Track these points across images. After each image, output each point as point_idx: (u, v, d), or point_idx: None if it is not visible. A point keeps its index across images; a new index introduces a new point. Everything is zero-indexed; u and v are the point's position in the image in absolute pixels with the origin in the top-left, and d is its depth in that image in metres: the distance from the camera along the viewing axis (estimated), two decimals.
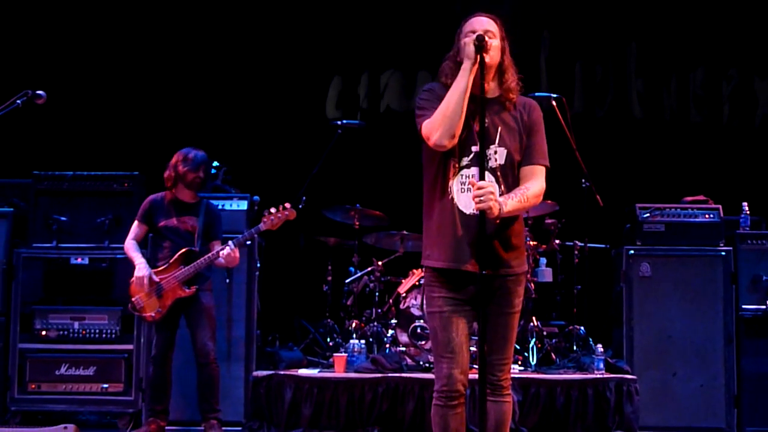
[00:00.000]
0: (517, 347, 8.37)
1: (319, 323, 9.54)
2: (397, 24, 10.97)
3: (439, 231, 4.90)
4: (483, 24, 4.91)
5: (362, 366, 8.24)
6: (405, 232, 9.11)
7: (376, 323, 8.97)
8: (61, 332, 8.40)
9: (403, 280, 8.85)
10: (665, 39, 11.05)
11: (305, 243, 9.60)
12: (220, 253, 7.61)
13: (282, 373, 8.17)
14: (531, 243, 8.70)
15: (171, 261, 7.71)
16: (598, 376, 8.08)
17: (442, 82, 4.98)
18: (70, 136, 10.60)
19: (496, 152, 4.88)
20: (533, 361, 8.52)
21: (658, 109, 11.16)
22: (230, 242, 7.63)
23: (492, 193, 4.60)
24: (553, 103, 8.56)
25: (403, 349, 8.48)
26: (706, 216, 8.75)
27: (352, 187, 10.27)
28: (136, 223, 7.92)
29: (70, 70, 10.69)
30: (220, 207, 8.33)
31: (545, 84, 10.96)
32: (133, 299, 7.71)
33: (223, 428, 7.78)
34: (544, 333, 8.89)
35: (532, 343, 8.62)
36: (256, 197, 8.87)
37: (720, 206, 8.81)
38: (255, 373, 8.21)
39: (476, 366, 4.81)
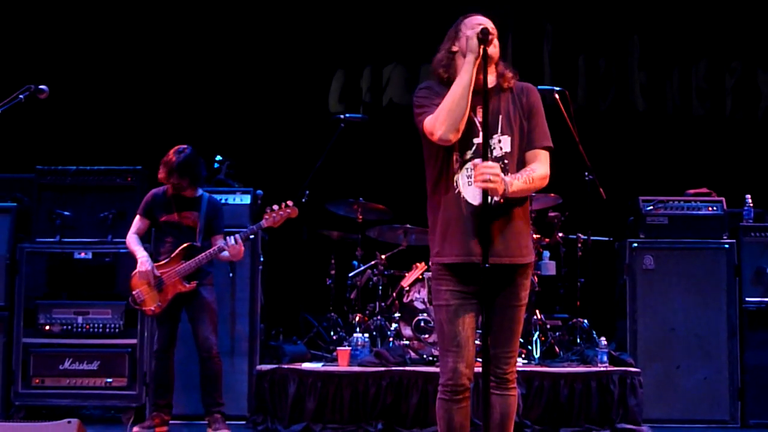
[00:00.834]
0: (521, 340, 8.36)
1: (323, 317, 9.53)
2: (400, 18, 10.96)
3: (448, 226, 4.89)
4: (482, 21, 4.94)
5: (366, 360, 8.24)
6: (408, 225, 9.10)
7: (379, 317, 8.96)
8: (65, 327, 8.41)
9: (406, 274, 8.85)
10: (668, 32, 11.04)
11: (308, 237, 9.59)
12: (228, 243, 7.63)
13: (286, 367, 8.17)
14: (534, 236, 8.69)
15: (173, 255, 7.74)
16: (602, 369, 8.07)
17: (438, 75, 5.00)
18: (73, 130, 10.60)
19: (500, 141, 4.88)
20: (537, 354, 8.52)
21: (661, 102, 11.15)
22: (236, 236, 7.65)
23: (497, 174, 4.60)
24: (556, 96, 8.54)
25: (407, 342, 8.49)
26: (709, 208, 8.76)
27: (355, 180, 10.27)
28: (137, 217, 7.94)
29: (72, 65, 10.69)
30: (223, 201, 8.34)
31: (548, 77, 10.95)
32: (133, 292, 7.75)
33: (227, 422, 7.79)
34: (548, 326, 8.89)
35: (536, 336, 8.62)
36: (260, 191, 8.88)
37: (723, 199, 8.82)
38: (259, 367, 8.22)
39: (481, 359, 4.79)
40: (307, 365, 8.27)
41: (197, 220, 7.83)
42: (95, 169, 8.68)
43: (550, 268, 8.98)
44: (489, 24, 4.92)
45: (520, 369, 7.72)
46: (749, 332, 8.54)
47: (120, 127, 10.69)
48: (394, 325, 8.73)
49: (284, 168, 10.41)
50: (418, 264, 8.77)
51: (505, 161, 4.85)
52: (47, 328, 8.39)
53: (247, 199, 8.65)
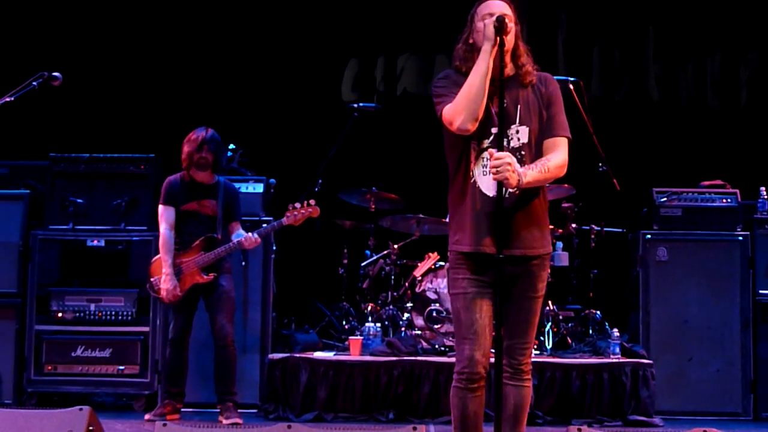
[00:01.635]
0: None
1: (335, 306, 9.53)
2: (414, 6, 10.94)
3: (464, 215, 4.87)
4: (499, 7, 4.88)
5: (378, 349, 8.24)
6: (421, 215, 9.09)
7: (391, 306, 8.96)
8: (78, 314, 8.42)
9: (418, 264, 8.84)
10: (683, 23, 11.00)
11: (321, 226, 9.58)
12: (246, 238, 7.68)
13: (297, 355, 8.17)
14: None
15: (193, 246, 7.76)
16: (614, 360, 8.06)
17: (456, 67, 4.96)
18: (86, 118, 10.61)
19: (518, 131, 4.85)
20: (549, 345, 8.51)
21: (675, 94, 11.12)
22: (256, 233, 7.71)
23: (509, 163, 4.57)
24: (571, 86, 8.51)
25: (419, 332, 8.48)
26: (724, 200, 8.72)
27: (368, 170, 10.25)
28: (162, 208, 7.87)
29: (86, 52, 10.69)
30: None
31: (563, 68, 10.93)
32: (152, 279, 7.80)
33: (239, 410, 7.79)
34: (560, 317, 8.87)
35: (548, 327, 8.60)
36: (272, 180, 8.88)
37: (737, 191, 8.79)
38: (270, 356, 8.22)
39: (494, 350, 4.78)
40: (318, 354, 8.27)
41: (216, 209, 7.84)
42: (108, 156, 8.68)
43: (563, 259, 8.97)
44: (504, 9, 4.88)
45: (532, 360, 7.70)
46: (762, 325, 8.51)
47: (133, 115, 10.69)
48: (406, 315, 8.72)
49: (297, 157, 10.41)
50: (430, 254, 8.76)
51: (522, 152, 4.82)
52: (60, 315, 8.41)
53: (260, 188, 8.65)
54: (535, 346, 8.40)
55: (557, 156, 4.84)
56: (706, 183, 8.95)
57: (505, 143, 4.75)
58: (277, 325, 8.91)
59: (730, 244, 8.58)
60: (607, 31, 11.08)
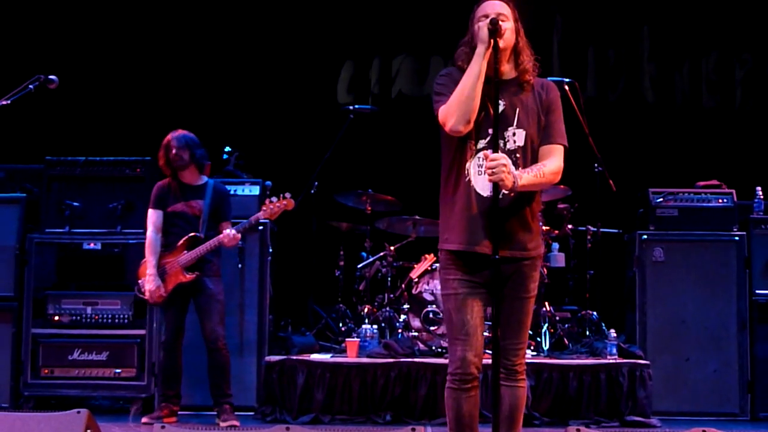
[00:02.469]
0: (530, 332, 8.34)
1: (332, 308, 9.54)
2: (409, 8, 10.94)
3: (456, 213, 4.86)
4: (495, 7, 4.88)
5: (374, 351, 8.24)
6: (417, 216, 9.10)
7: (388, 308, 8.96)
8: (74, 317, 8.41)
9: (415, 265, 8.84)
10: (678, 23, 11.01)
11: (317, 228, 9.59)
12: (223, 235, 7.68)
13: (294, 358, 8.17)
14: (544, 228, 8.67)
15: (177, 245, 7.79)
16: (611, 361, 8.07)
17: (459, 66, 4.95)
18: (82, 121, 10.61)
19: (514, 134, 4.85)
20: (546, 346, 8.52)
21: (670, 94, 11.14)
22: (233, 228, 7.69)
23: (505, 165, 4.57)
24: (566, 87, 8.51)
25: (416, 334, 8.49)
26: (720, 201, 8.73)
27: (364, 172, 10.27)
28: (151, 211, 7.92)
29: (82, 56, 10.70)
30: (232, 192, 8.33)
31: (558, 68, 10.94)
32: (139, 281, 7.86)
33: (236, 413, 7.79)
34: (557, 318, 8.88)
35: (545, 328, 8.61)
36: (269, 182, 8.87)
37: (733, 191, 8.80)
38: (267, 358, 8.22)
39: (490, 351, 4.78)
40: (315, 356, 8.27)
41: (202, 209, 7.85)
42: (104, 160, 8.68)
43: (559, 260, 8.98)
44: (501, 9, 4.86)
45: (529, 361, 7.65)
46: (759, 325, 8.51)
47: (129, 118, 10.69)
48: (402, 317, 8.73)
49: (293, 159, 10.41)
50: (427, 255, 8.76)
51: (517, 155, 4.82)
52: (56, 318, 8.40)
53: (256, 190, 8.65)
54: (532, 347, 8.43)
55: (553, 162, 4.85)
56: (702, 183, 8.96)
57: (501, 145, 4.76)
58: (274, 327, 8.91)
59: (726, 244, 8.59)
60: (602, 31, 11.10)
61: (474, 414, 4.90)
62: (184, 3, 10.93)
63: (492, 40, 4.70)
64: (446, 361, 4.96)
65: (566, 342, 8.77)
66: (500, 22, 4.73)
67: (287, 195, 7.74)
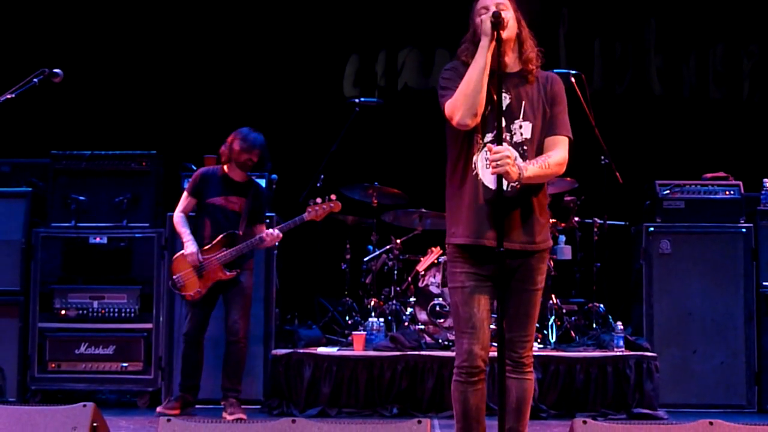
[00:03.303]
0: (537, 325, 8.34)
1: (338, 301, 9.53)
2: (414, 1, 10.93)
3: (463, 207, 4.86)
4: (492, 3, 4.86)
5: (381, 344, 8.24)
6: (423, 209, 9.09)
7: (394, 301, 8.96)
8: (81, 311, 8.42)
9: (421, 258, 8.83)
10: (685, 15, 10.98)
11: (323, 221, 9.58)
12: (267, 234, 7.73)
13: (301, 351, 8.18)
14: (550, 220, 8.65)
15: (214, 242, 7.77)
16: (618, 353, 8.06)
17: (463, 61, 4.93)
18: (87, 114, 10.60)
19: (521, 126, 4.84)
20: (552, 339, 8.51)
21: (677, 86, 11.11)
22: (277, 228, 7.78)
23: (509, 157, 4.56)
24: (572, 79, 8.51)
25: (422, 327, 8.48)
26: (727, 192, 8.71)
27: (370, 165, 10.25)
28: (185, 195, 7.96)
29: (87, 48, 10.69)
30: None
31: (564, 61, 10.92)
32: (174, 276, 7.81)
33: (243, 406, 7.79)
34: (564, 311, 8.87)
35: (552, 320, 8.60)
36: (274, 176, 8.87)
37: (740, 183, 8.78)
38: (274, 352, 8.22)
39: (496, 344, 4.78)
40: (322, 349, 8.27)
41: (243, 207, 7.86)
42: (110, 153, 8.68)
43: (566, 252, 8.97)
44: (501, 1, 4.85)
45: (536, 353, 7.65)
46: (766, 317, 8.50)
47: (135, 111, 10.69)
48: (409, 310, 8.72)
49: (299, 152, 10.40)
50: (433, 248, 8.75)
51: (524, 147, 4.81)
52: (63, 312, 8.41)
53: (262, 183, 8.63)
54: (539, 340, 8.42)
55: (558, 154, 4.84)
56: (709, 175, 8.94)
57: (508, 138, 4.76)
58: (281, 320, 8.90)
59: (733, 236, 8.57)
60: (608, 23, 11.07)
61: (481, 407, 4.90)
62: None
63: (495, 32, 4.68)
64: (453, 354, 4.96)
65: (573, 334, 8.77)
66: (503, 15, 4.71)
67: (333, 197, 7.82)
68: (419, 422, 4.96)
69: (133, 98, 10.75)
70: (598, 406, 7.92)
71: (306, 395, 7.99)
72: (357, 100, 9.42)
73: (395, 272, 9.08)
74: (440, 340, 8.38)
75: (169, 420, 4.90)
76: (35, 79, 6.16)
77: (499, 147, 4.58)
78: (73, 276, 8.48)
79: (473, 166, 4.82)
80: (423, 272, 8.67)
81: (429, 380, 7.94)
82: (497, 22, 4.66)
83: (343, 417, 7.87)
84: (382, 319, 8.66)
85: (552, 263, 8.71)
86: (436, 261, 8.63)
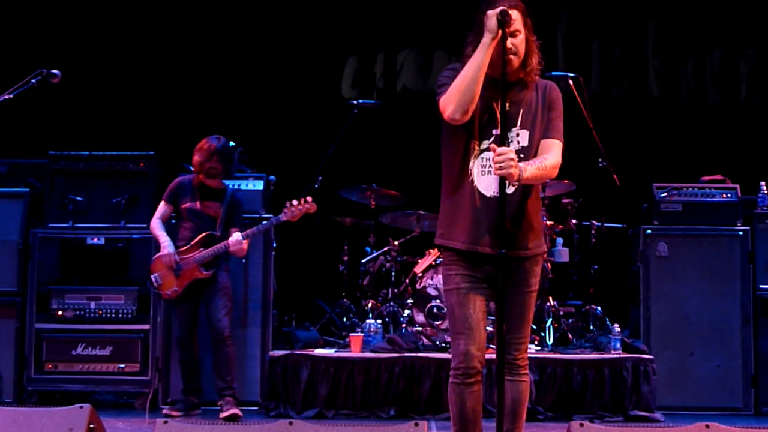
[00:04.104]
0: (534, 327, 8.37)
1: (336, 303, 9.54)
2: (413, 3, 10.93)
3: (458, 212, 4.87)
4: (506, 5, 4.82)
5: (378, 346, 8.24)
6: (421, 211, 9.10)
7: (392, 303, 8.96)
8: (78, 312, 8.42)
9: (419, 260, 8.83)
10: (683, 18, 10.99)
11: (321, 223, 9.57)
12: (230, 240, 7.76)
13: (298, 352, 8.17)
14: (548, 223, 8.67)
15: (192, 243, 7.87)
16: (615, 356, 8.06)
17: (464, 63, 4.92)
18: (85, 115, 10.60)
19: (518, 134, 4.85)
20: (550, 341, 8.51)
21: (675, 89, 11.12)
22: (240, 234, 7.82)
23: (512, 159, 4.56)
24: (570, 82, 8.50)
25: (420, 328, 8.47)
26: (724, 195, 8.72)
27: (368, 166, 10.26)
28: (162, 203, 8.07)
29: (85, 49, 10.69)
30: (235, 187, 8.35)
31: (562, 63, 10.92)
32: (152, 276, 7.88)
33: (240, 408, 7.80)
34: (561, 313, 8.87)
35: (549, 323, 8.60)
36: (272, 177, 8.87)
37: (737, 186, 8.78)
38: (271, 353, 8.22)
39: (493, 346, 4.78)
40: (319, 351, 8.27)
41: (219, 210, 7.95)
42: (108, 154, 8.67)
43: (563, 254, 8.96)
44: (512, 10, 4.76)
45: (533, 356, 7.71)
46: (763, 319, 8.50)
47: (133, 112, 10.69)
48: (406, 312, 8.73)
49: (297, 154, 10.41)
50: (431, 250, 8.74)
51: (522, 155, 4.81)
52: (60, 313, 8.40)
53: (259, 185, 8.65)
54: (536, 342, 8.42)
55: (552, 157, 4.84)
56: (707, 178, 8.94)
57: (505, 145, 4.75)
58: (278, 322, 8.91)
59: (730, 239, 8.57)
60: (606, 26, 11.08)
61: (477, 409, 4.90)
62: None
63: (500, 30, 4.65)
64: (450, 355, 4.96)
65: (570, 337, 8.76)
66: (510, 14, 4.67)
67: (308, 198, 7.86)
68: (416, 424, 4.97)
69: (131, 99, 10.75)
70: (595, 408, 7.92)
71: (303, 397, 7.99)
72: (355, 102, 9.42)
73: (393, 274, 9.09)
74: (437, 342, 8.38)
75: (165, 421, 4.92)
76: (33, 80, 6.17)
77: (503, 148, 4.57)
78: (71, 277, 8.47)
79: (469, 173, 4.83)
80: (420, 274, 8.66)
81: (426, 382, 7.94)
82: (504, 20, 4.63)
83: (341, 419, 7.88)
84: (379, 321, 8.66)
85: (549, 265, 8.72)
86: (433, 263, 8.62)
